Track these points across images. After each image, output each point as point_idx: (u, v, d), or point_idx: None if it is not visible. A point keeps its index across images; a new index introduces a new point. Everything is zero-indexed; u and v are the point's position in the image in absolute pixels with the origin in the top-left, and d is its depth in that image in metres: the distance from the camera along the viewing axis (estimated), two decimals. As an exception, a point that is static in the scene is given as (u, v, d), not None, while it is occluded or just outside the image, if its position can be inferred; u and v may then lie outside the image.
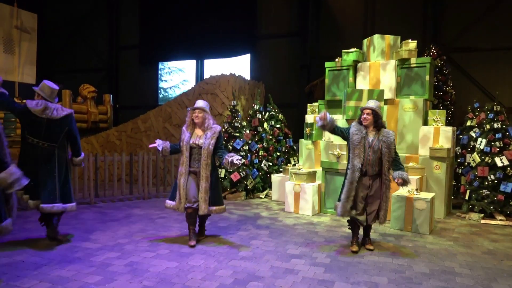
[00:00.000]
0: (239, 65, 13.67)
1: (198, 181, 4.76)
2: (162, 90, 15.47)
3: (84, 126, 11.12)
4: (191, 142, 4.77)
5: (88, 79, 12.99)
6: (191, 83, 14.61)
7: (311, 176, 6.85)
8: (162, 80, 15.50)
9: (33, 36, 14.82)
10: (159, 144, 4.92)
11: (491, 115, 6.74)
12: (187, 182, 4.77)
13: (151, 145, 5.01)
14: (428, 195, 5.69)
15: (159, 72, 15.33)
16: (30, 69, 14.70)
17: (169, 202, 4.87)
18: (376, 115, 4.57)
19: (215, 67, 14.23)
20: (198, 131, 4.83)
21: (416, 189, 5.78)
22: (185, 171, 4.76)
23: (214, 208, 4.80)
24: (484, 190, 6.38)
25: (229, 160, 4.55)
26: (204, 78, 11.53)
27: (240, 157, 4.61)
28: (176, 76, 15.57)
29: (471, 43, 10.58)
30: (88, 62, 15.70)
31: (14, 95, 13.44)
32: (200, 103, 4.88)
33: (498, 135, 6.49)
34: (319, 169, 7.03)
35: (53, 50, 16.15)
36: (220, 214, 6.32)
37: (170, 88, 15.63)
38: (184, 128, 4.91)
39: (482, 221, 6.25)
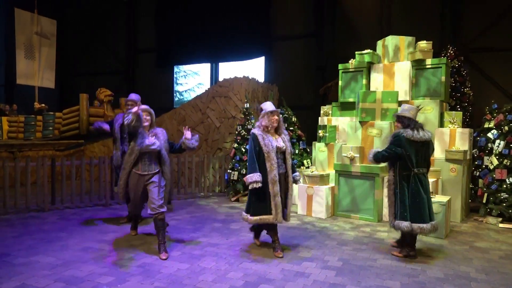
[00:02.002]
0: (254, 68, 13.72)
1: (282, 186, 4.54)
2: (177, 93, 15.65)
3: (101, 129, 11.31)
4: (275, 146, 4.47)
5: (106, 82, 13.24)
6: (206, 86, 14.73)
7: (324, 178, 6.80)
8: (177, 84, 15.68)
9: (52, 42, 15.28)
10: (260, 181, 4.33)
11: (509, 117, 6.57)
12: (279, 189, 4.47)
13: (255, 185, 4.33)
14: (444, 198, 5.58)
15: (175, 75, 15.51)
16: (50, 74, 15.15)
17: (263, 217, 4.46)
18: (401, 121, 4.52)
19: (230, 70, 14.32)
20: (273, 135, 4.56)
21: (431, 192, 5.66)
22: (277, 178, 4.42)
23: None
24: (502, 193, 6.22)
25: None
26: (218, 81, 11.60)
27: None
28: (192, 80, 15.73)
29: (489, 43, 10.35)
30: (105, 65, 16.01)
31: (34, 100, 13.84)
32: (273, 105, 4.57)
33: (517, 137, 6.33)
34: (332, 172, 6.98)
35: (71, 54, 16.52)
36: (233, 217, 6.40)
37: (185, 91, 15.79)
38: (259, 132, 4.47)
39: (500, 225, 6.09)
